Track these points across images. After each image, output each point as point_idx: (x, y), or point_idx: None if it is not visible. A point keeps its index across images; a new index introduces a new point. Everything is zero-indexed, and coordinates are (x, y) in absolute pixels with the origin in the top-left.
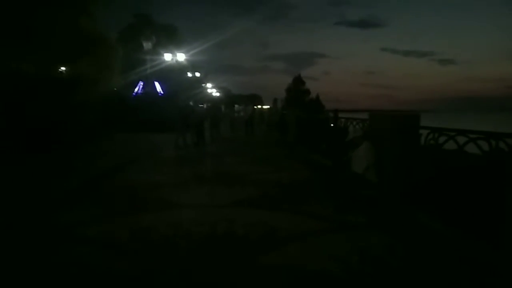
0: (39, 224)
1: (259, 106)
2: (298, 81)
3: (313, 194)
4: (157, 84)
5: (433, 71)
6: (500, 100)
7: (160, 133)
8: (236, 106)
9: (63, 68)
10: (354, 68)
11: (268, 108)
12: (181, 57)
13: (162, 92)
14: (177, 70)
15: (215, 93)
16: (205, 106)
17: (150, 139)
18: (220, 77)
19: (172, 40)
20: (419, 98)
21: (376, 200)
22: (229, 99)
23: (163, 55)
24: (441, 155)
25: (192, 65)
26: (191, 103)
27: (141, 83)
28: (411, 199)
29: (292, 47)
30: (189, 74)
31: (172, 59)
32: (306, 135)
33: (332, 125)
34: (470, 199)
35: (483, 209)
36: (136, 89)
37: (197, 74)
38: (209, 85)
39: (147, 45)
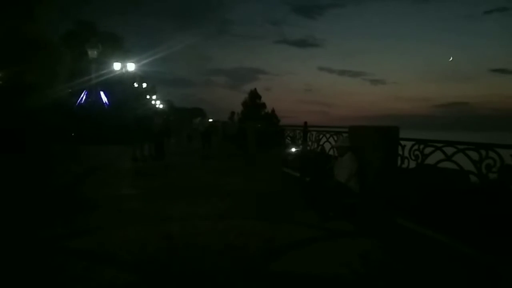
0: None
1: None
2: (254, 95)
3: (293, 204)
4: (102, 94)
5: (365, 90)
6: (427, 118)
7: (110, 145)
8: (198, 118)
9: None
10: (293, 85)
11: (218, 121)
12: (131, 66)
13: (108, 103)
14: (124, 80)
15: (159, 105)
16: (161, 118)
17: (102, 151)
18: (164, 89)
19: (118, 50)
20: (353, 115)
21: (359, 208)
22: (174, 112)
23: (110, 64)
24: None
25: (138, 76)
26: (152, 113)
27: (85, 93)
28: (393, 206)
29: (234, 63)
30: (136, 85)
31: (121, 68)
32: (267, 147)
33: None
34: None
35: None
36: (80, 99)
37: (144, 85)
38: (154, 97)
39: (92, 53)
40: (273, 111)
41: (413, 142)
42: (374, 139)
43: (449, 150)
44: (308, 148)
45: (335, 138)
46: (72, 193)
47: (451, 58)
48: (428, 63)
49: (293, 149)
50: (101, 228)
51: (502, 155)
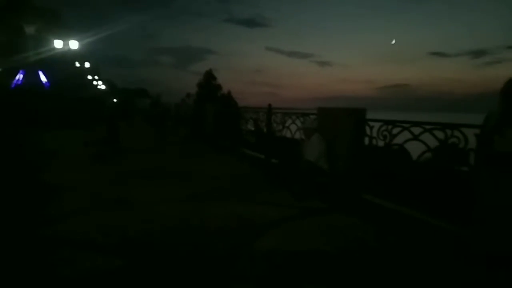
0: None
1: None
2: (210, 76)
3: (262, 185)
4: (41, 74)
5: (313, 71)
6: (372, 99)
7: (54, 129)
8: (148, 99)
9: None
10: (242, 66)
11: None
12: (74, 45)
13: (48, 83)
14: (66, 59)
15: (100, 85)
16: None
17: (46, 137)
18: (107, 69)
19: (58, 27)
20: (302, 97)
21: (329, 186)
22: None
23: (50, 42)
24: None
25: (80, 55)
26: (103, 94)
27: (21, 72)
28: (362, 184)
29: (181, 42)
30: (78, 65)
31: (63, 46)
32: (227, 129)
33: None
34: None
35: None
36: (16, 78)
37: (87, 65)
38: (96, 77)
39: (29, 29)
40: (229, 92)
41: (381, 123)
42: (343, 120)
43: (416, 130)
44: (273, 130)
45: (302, 120)
46: (35, 179)
47: (393, 41)
48: (372, 46)
49: (255, 131)
50: (75, 213)
51: (466, 134)
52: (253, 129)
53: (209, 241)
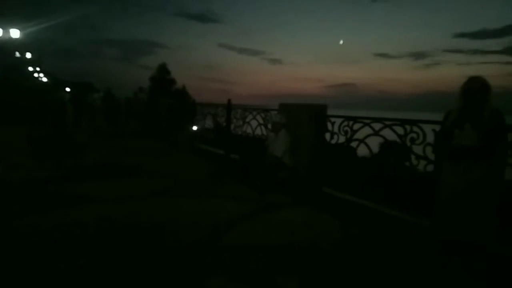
0: None
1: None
2: (163, 70)
3: (224, 181)
4: None
5: (264, 69)
6: (321, 97)
7: None
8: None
9: None
10: (194, 61)
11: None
12: (15, 33)
13: None
14: (5, 49)
15: (42, 78)
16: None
17: None
18: (50, 61)
19: None
20: (253, 94)
21: (293, 180)
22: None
23: None
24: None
25: (21, 45)
26: (51, 87)
27: None
28: (323, 178)
29: (129, 34)
30: (18, 55)
31: (4, 34)
32: (183, 124)
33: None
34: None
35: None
36: None
37: (28, 55)
38: (38, 69)
39: None
40: (184, 87)
41: (342, 119)
42: (304, 116)
43: (377, 125)
44: (233, 125)
45: (263, 116)
46: None
47: (341, 42)
48: (321, 46)
49: (214, 127)
50: (36, 212)
51: (424, 130)
52: (211, 124)
53: (175, 237)
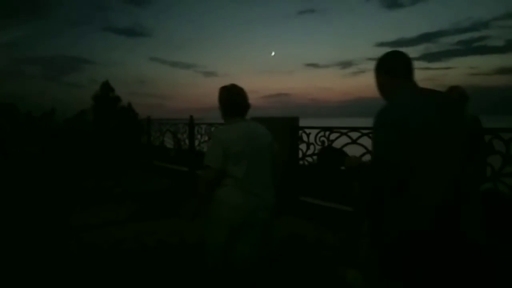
0: None
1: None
2: (107, 88)
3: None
4: None
5: (198, 82)
6: (257, 108)
7: None
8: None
9: None
10: (125, 76)
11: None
12: None
13: None
14: None
15: None
16: None
17: None
18: None
19: None
20: (189, 107)
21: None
22: None
23: None
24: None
25: None
26: None
27: None
28: (299, 187)
29: (52, 50)
30: None
31: None
32: (138, 144)
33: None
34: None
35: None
36: None
37: None
38: None
39: None
40: (129, 104)
41: (318, 130)
42: (278, 128)
43: (354, 134)
44: (197, 141)
45: None
46: None
47: (273, 53)
48: (254, 57)
49: (174, 144)
50: None
51: None
52: (171, 142)
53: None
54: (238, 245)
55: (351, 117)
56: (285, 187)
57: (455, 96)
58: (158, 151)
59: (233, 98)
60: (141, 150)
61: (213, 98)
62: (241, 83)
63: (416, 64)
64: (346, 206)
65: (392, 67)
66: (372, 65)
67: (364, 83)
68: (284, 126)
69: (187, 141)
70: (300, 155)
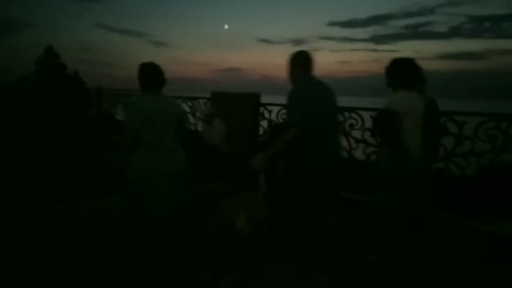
0: None
1: None
2: (51, 53)
3: None
4: None
5: (148, 51)
6: (208, 82)
7: None
8: None
9: None
10: (69, 42)
11: None
12: None
13: None
14: None
15: None
16: None
17: None
18: None
19: None
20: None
21: (231, 168)
22: None
23: None
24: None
25: None
26: None
27: None
28: None
29: None
30: None
31: None
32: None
33: None
34: None
35: None
36: None
37: None
38: None
39: None
40: (76, 72)
41: (280, 107)
42: (239, 104)
43: None
44: None
45: (190, 104)
46: None
47: (226, 26)
48: (207, 30)
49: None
50: None
51: (363, 116)
52: (123, 113)
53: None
54: (154, 199)
55: None
56: (246, 163)
57: None
58: (109, 122)
59: (149, 74)
60: (89, 122)
61: (165, 69)
62: (193, 55)
63: (365, 45)
64: None
65: (301, 62)
66: (324, 44)
67: (316, 62)
68: (246, 102)
69: None
70: (261, 131)
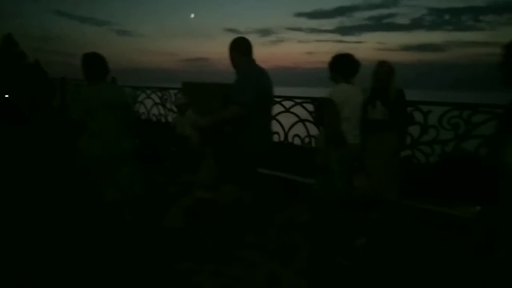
0: None
1: None
2: (9, 42)
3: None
4: None
5: (111, 41)
6: (175, 72)
7: None
8: None
9: None
10: (26, 30)
11: None
12: None
13: None
14: None
15: None
16: None
17: None
18: None
19: None
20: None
21: (204, 157)
22: None
23: None
24: None
25: None
26: None
27: None
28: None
29: None
30: None
31: None
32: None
33: None
34: None
35: None
36: None
37: None
38: None
39: None
40: (37, 61)
41: None
42: (212, 95)
43: (288, 103)
44: None
45: (159, 95)
46: None
47: (192, 15)
48: (173, 19)
49: None
50: None
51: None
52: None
53: None
54: (104, 182)
55: (283, 86)
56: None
57: (385, 69)
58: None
59: (92, 65)
60: (52, 114)
61: (127, 58)
62: (158, 44)
63: (331, 36)
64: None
65: (243, 48)
66: (291, 34)
67: (282, 52)
68: (218, 92)
69: None
70: None
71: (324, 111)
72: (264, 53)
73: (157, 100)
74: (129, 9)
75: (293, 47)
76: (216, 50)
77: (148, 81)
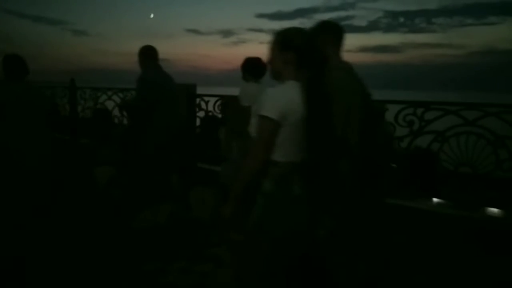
0: None
1: None
2: None
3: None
4: None
5: (67, 40)
6: (134, 73)
7: None
8: None
9: None
10: None
11: None
12: None
13: None
14: None
15: None
16: None
17: None
18: None
19: None
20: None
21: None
22: None
23: None
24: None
25: None
26: None
27: None
28: (197, 154)
29: None
30: None
31: None
32: None
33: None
34: None
35: None
36: None
37: None
38: None
39: None
40: None
41: (217, 98)
42: (174, 95)
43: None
44: (80, 107)
45: (121, 95)
46: None
47: (152, 15)
48: (131, 18)
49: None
50: None
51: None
52: None
53: None
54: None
55: (231, 87)
56: (184, 155)
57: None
58: None
59: (11, 66)
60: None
61: (83, 59)
62: (116, 45)
63: None
64: None
65: (151, 54)
66: (253, 35)
67: (244, 53)
68: (182, 93)
69: (67, 107)
70: (198, 122)
71: (228, 106)
72: (226, 54)
73: (119, 101)
74: (84, 8)
75: (255, 48)
76: (177, 51)
77: (107, 82)
